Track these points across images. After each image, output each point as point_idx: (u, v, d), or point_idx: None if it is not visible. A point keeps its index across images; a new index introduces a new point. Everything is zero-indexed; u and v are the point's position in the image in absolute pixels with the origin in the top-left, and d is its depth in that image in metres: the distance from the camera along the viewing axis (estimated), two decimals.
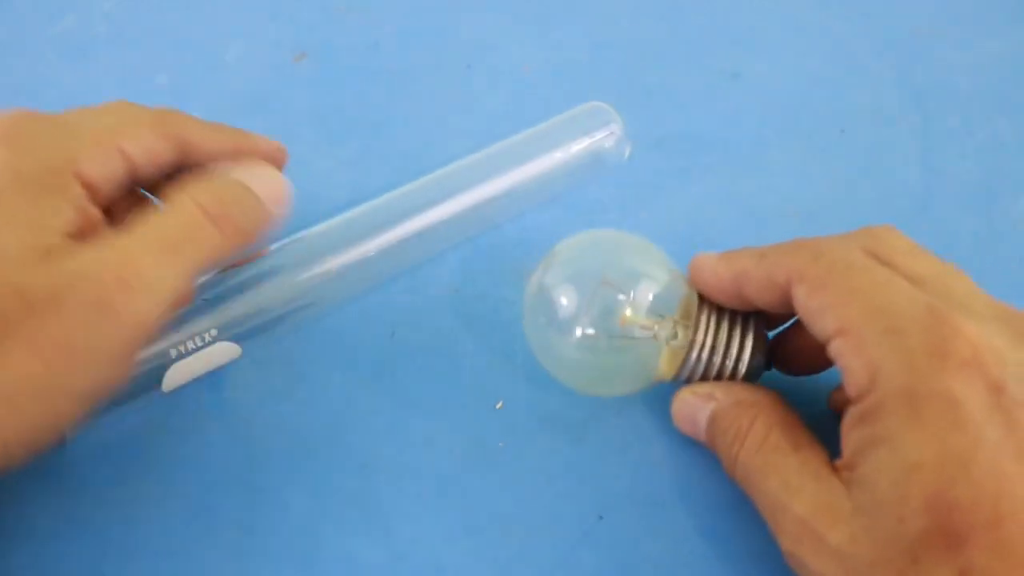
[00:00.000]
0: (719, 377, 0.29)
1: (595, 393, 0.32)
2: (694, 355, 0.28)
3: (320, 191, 0.38)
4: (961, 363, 0.22)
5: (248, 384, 0.33)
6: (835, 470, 0.25)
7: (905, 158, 0.40)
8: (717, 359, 0.29)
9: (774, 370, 0.31)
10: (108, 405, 0.30)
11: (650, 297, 0.29)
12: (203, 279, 0.32)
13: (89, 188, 0.26)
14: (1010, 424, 0.22)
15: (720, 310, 0.29)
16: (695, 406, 0.29)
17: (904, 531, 0.22)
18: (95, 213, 0.27)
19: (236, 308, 0.31)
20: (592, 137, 0.37)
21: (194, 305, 0.31)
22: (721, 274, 0.28)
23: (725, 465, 0.28)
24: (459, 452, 0.31)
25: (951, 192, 0.39)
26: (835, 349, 0.25)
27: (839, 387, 0.28)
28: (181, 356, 0.30)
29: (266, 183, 0.30)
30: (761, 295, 0.27)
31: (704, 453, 0.30)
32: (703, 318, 0.29)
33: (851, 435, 0.24)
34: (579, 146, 0.37)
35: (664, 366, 0.29)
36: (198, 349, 0.30)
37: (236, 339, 0.31)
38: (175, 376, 0.30)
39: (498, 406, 0.33)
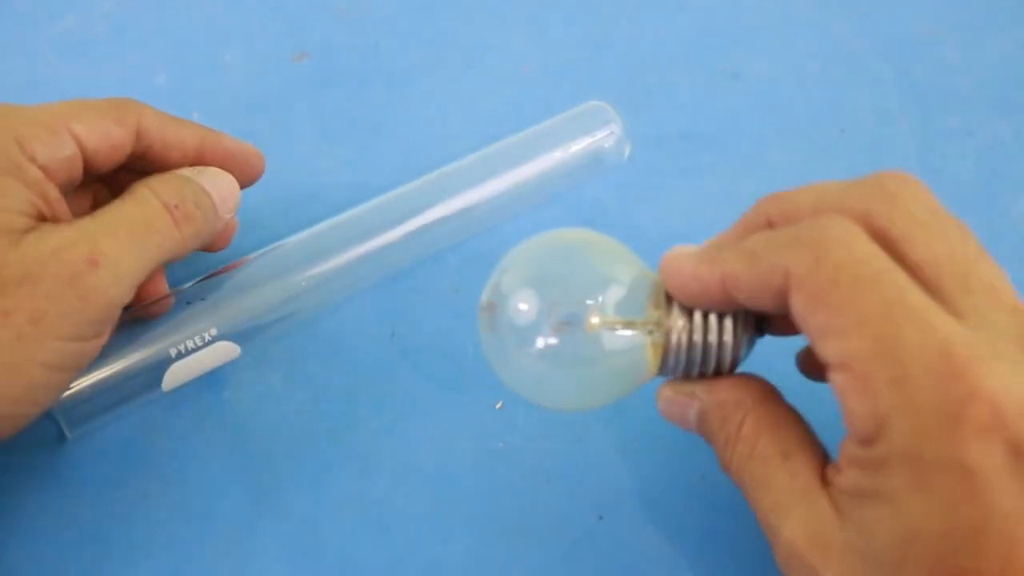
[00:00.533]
0: (706, 363, 0.27)
1: (577, 408, 0.30)
2: (674, 340, 0.26)
3: (320, 191, 0.38)
4: (978, 429, 0.20)
5: (248, 384, 0.33)
6: (826, 483, 0.23)
7: (905, 158, 0.40)
8: (698, 347, 0.26)
9: (768, 369, 0.31)
10: (108, 405, 0.30)
11: (618, 298, 0.26)
12: (203, 279, 0.32)
13: (45, 171, 0.27)
14: None
15: None
16: (681, 404, 0.27)
17: None
18: (55, 195, 0.27)
19: (236, 308, 0.31)
20: (592, 137, 0.37)
21: (194, 305, 0.31)
22: (704, 278, 0.25)
23: (720, 465, 0.28)
24: (459, 452, 0.31)
25: (951, 192, 0.38)
26: (837, 383, 0.22)
27: (807, 349, 0.27)
28: (181, 356, 0.30)
29: (222, 188, 0.31)
30: (756, 301, 0.24)
31: (704, 453, 0.30)
32: (675, 305, 0.26)
33: (850, 470, 0.22)
34: (579, 146, 0.37)
35: (650, 364, 0.28)
36: (198, 349, 0.30)
37: (236, 339, 0.31)
38: (175, 376, 0.30)
39: (498, 406, 0.33)
